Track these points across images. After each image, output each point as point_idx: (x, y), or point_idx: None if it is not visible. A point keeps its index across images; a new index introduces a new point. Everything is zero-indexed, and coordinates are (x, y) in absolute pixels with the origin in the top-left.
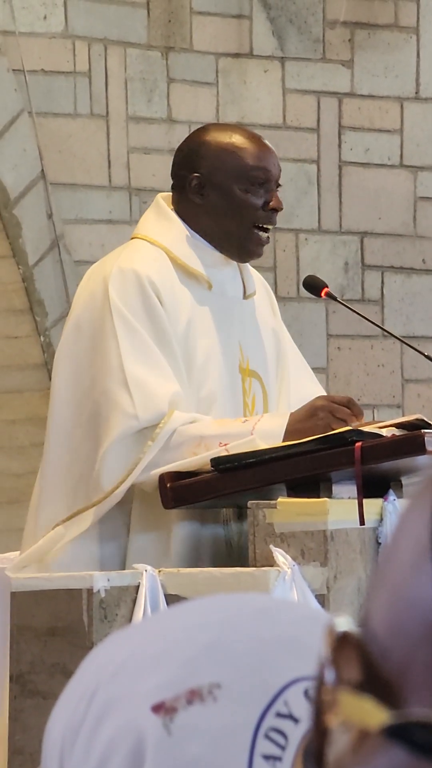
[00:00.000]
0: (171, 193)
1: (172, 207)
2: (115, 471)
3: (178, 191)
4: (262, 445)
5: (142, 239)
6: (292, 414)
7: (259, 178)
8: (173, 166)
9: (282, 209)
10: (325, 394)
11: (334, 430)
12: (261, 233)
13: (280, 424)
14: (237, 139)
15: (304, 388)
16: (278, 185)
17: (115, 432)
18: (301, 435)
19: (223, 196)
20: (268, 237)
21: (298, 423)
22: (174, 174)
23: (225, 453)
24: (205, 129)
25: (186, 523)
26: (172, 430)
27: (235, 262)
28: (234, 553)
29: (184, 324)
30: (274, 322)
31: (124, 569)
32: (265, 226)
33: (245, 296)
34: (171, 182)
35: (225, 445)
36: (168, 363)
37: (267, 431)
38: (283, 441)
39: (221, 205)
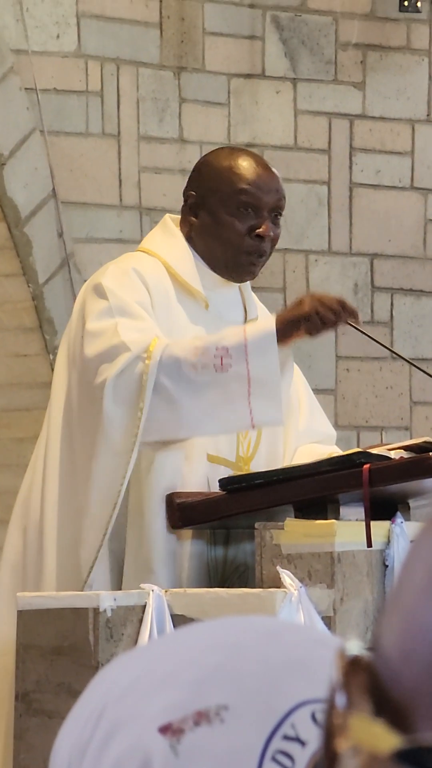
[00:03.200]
0: (178, 213)
1: (178, 226)
2: (120, 412)
3: (182, 209)
4: (275, 350)
5: (145, 252)
6: (278, 313)
7: (247, 203)
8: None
9: (269, 236)
10: (332, 431)
11: (320, 315)
12: (250, 257)
13: (269, 325)
14: (236, 163)
15: (318, 427)
16: (278, 214)
17: (114, 370)
18: (292, 325)
19: (211, 218)
20: (260, 260)
21: (286, 314)
22: (183, 191)
23: (239, 358)
24: (217, 150)
25: (160, 540)
26: (164, 346)
27: (236, 286)
28: (216, 576)
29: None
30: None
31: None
32: (251, 253)
33: (246, 321)
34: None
35: (222, 349)
36: None
37: (258, 334)
38: (278, 337)
39: (209, 228)
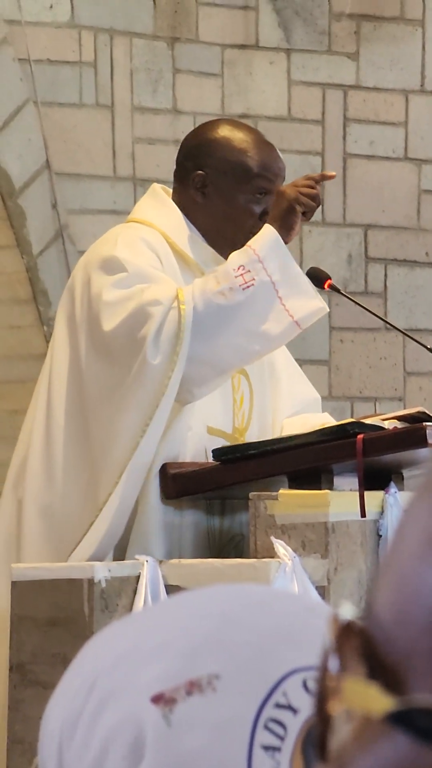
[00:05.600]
0: (171, 184)
1: (169, 196)
2: (160, 362)
3: (180, 182)
4: (285, 250)
5: (140, 223)
6: (269, 217)
7: (263, 187)
8: (179, 154)
9: None
10: (316, 393)
11: (305, 194)
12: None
13: (269, 230)
14: (247, 145)
15: (301, 390)
16: None
17: (153, 327)
18: (288, 216)
19: (225, 201)
20: None
21: (275, 215)
22: (179, 162)
23: (253, 278)
24: (218, 125)
25: (159, 511)
26: (189, 288)
27: (223, 260)
28: (214, 545)
29: None
30: None
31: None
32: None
33: None
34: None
35: (240, 268)
36: None
37: (264, 243)
38: (281, 236)
39: (221, 209)
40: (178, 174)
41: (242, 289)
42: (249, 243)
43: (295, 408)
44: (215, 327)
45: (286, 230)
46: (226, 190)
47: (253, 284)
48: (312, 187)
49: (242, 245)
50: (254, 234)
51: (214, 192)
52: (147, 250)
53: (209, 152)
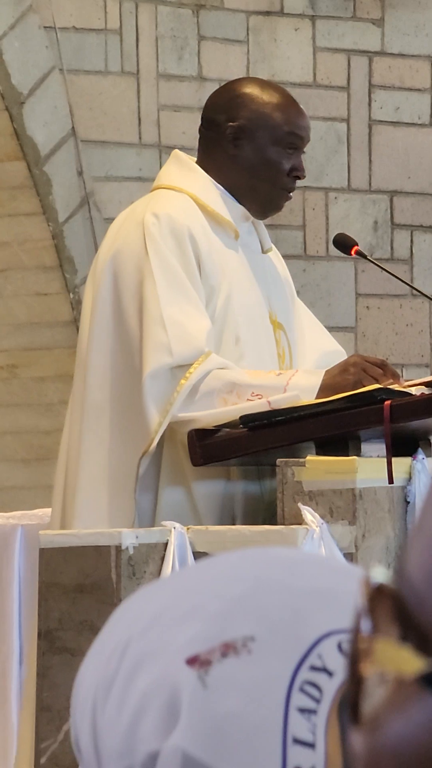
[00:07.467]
0: (195, 152)
1: (193, 161)
2: (152, 411)
3: (208, 140)
4: (304, 401)
5: (167, 188)
6: (327, 371)
7: (294, 143)
8: (207, 111)
9: (305, 178)
10: (338, 346)
11: (364, 386)
12: (285, 196)
13: (315, 380)
14: (279, 100)
15: (323, 344)
16: (303, 151)
17: (148, 368)
18: (334, 390)
19: (257, 153)
20: (291, 195)
21: (331, 378)
22: (207, 118)
23: (262, 407)
24: (246, 81)
25: (209, 481)
26: (207, 371)
27: (250, 218)
28: (264, 510)
29: (219, 273)
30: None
31: (154, 524)
32: (287, 192)
33: (263, 251)
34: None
35: (257, 395)
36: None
37: (301, 386)
38: (317, 397)
39: (253, 161)
40: (206, 132)
41: (243, 402)
42: (291, 378)
43: (318, 361)
44: (197, 407)
45: (324, 394)
46: (259, 142)
47: (254, 401)
48: (376, 380)
49: (270, 201)
50: (283, 189)
51: (248, 144)
52: (188, 249)
53: (242, 104)
